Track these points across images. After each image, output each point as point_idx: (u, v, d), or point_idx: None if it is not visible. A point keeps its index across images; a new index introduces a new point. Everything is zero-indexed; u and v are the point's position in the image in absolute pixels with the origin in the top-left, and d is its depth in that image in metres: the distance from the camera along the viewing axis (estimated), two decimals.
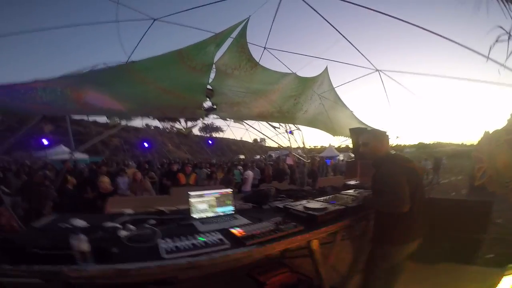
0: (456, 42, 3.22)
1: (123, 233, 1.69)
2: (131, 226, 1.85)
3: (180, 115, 7.99)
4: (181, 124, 13.10)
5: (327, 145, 21.40)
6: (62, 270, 1.17)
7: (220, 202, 2.27)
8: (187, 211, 2.14)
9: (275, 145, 11.60)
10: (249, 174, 7.17)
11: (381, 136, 2.04)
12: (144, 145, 18.71)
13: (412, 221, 1.75)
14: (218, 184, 6.18)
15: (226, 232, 1.70)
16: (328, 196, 2.66)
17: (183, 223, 1.99)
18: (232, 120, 10.31)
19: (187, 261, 1.31)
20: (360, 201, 2.26)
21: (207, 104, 4.94)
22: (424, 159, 12.12)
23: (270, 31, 4.32)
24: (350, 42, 4.19)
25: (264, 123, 8.55)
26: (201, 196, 2.21)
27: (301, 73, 4.63)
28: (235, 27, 3.25)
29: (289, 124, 8.50)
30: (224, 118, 8.51)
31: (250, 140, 32.77)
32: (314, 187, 4.98)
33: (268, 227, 1.78)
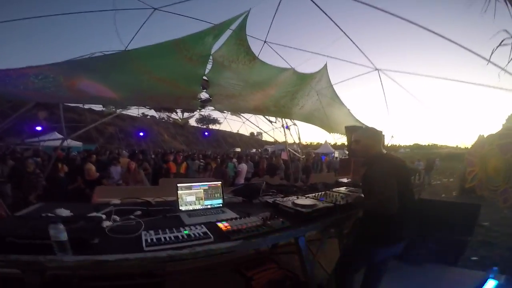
0: (458, 44, 3.19)
1: (106, 223, 1.66)
2: (116, 217, 1.83)
3: (174, 105, 7.90)
4: (177, 115, 12.97)
5: (323, 142, 21.49)
6: (38, 260, 1.14)
7: (209, 194, 2.25)
8: (175, 203, 2.12)
9: (272, 140, 11.58)
10: (243, 167, 7.16)
11: (373, 134, 1.98)
12: (140, 134, 18.60)
13: (399, 223, 1.71)
14: (211, 176, 6.16)
15: (212, 226, 1.68)
16: (318, 193, 2.66)
17: (169, 215, 1.97)
18: (229, 112, 10.23)
19: (168, 254, 1.29)
20: (350, 199, 2.25)
21: (204, 95, 4.88)
22: (417, 160, 12.21)
23: (271, 25, 4.26)
24: (350, 39, 4.14)
25: (261, 117, 8.51)
26: (189, 188, 2.19)
27: (300, 69, 4.59)
28: (235, 19, 3.17)
29: (286, 119, 8.47)
30: (220, 110, 8.44)
31: (247, 134, 32.71)
32: (307, 183, 4.99)
33: (255, 222, 1.76)
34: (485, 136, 3.62)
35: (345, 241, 2.54)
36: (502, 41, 2.07)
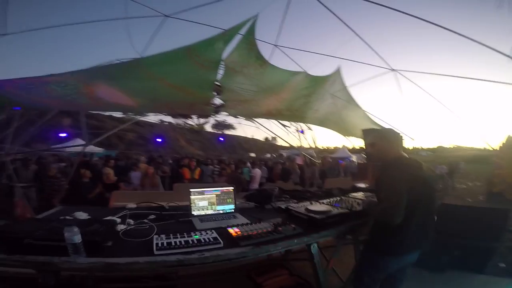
0: (479, 42, 3.04)
1: (120, 227, 1.70)
2: (130, 221, 1.87)
3: (188, 111, 8.06)
4: (193, 121, 13.25)
5: (340, 146, 21.09)
6: (53, 261, 1.18)
7: (221, 199, 2.25)
8: (188, 208, 2.14)
9: (286, 144, 11.49)
10: (257, 172, 7.15)
11: (389, 136, 1.85)
12: (157, 140, 19.11)
13: (410, 233, 1.59)
14: (226, 182, 6.19)
15: (223, 231, 1.67)
16: (333, 199, 2.58)
17: (182, 219, 1.99)
18: (244, 118, 10.29)
19: (177, 258, 1.30)
20: (364, 205, 2.17)
21: (219, 101, 4.94)
22: (439, 164, 11.64)
23: (281, 28, 4.26)
24: (363, 40, 4.05)
25: (275, 121, 8.49)
26: (201, 193, 2.20)
27: (313, 72, 4.54)
28: (244, 23, 3.21)
29: (300, 124, 8.38)
30: (234, 115, 8.50)
31: (261, 139, 32.75)
32: (322, 188, 4.88)
33: (266, 228, 1.73)
34: None
35: (361, 248, 2.44)
36: None
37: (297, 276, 2.39)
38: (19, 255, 1.20)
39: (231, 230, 1.66)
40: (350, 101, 5.70)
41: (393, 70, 4.61)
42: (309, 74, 4.51)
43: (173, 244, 1.40)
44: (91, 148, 11.61)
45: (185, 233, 1.56)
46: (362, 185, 3.73)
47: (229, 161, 11.95)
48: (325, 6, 3.36)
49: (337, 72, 4.86)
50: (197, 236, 1.51)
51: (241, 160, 12.80)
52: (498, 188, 3.29)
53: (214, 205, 2.21)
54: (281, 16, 3.93)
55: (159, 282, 2.20)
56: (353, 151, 21.77)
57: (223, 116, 13.07)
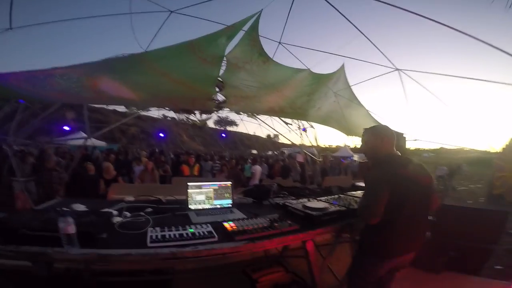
0: (486, 43, 2.98)
1: (116, 219, 1.70)
2: (127, 213, 1.87)
3: (191, 106, 8.05)
4: (195, 116, 13.23)
5: (342, 145, 21.00)
6: (46, 252, 1.18)
7: (218, 194, 2.25)
8: (185, 201, 2.14)
9: (288, 142, 11.47)
10: (257, 168, 7.15)
11: (382, 133, 1.73)
12: (160, 135, 19.15)
13: (399, 235, 1.53)
14: (227, 178, 6.20)
15: (218, 225, 1.67)
16: (331, 196, 2.58)
17: (178, 213, 1.99)
18: (246, 114, 10.28)
19: (170, 251, 1.30)
20: (358, 204, 2.15)
21: (221, 97, 4.93)
22: (439, 165, 11.57)
23: (285, 25, 4.22)
24: (368, 39, 3.99)
25: (277, 119, 8.46)
26: (199, 187, 2.20)
27: (316, 70, 4.50)
28: (247, 20, 3.19)
29: (302, 121, 8.35)
30: (236, 112, 8.49)
31: (263, 136, 32.69)
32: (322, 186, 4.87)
33: (262, 223, 1.72)
34: None
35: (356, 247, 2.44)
36: None
37: (293, 273, 2.38)
38: (14, 245, 1.20)
39: (226, 225, 1.66)
40: (353, 100, 5.66)
41: (397, 69, 4.56)
42: (313, 72, 4.47)
43: (167, 237, 1.40)
44: (93, 142, 11.67)
45: (180, 227, 1.56)
46: (361, 183, 3.72)
47: (230, 157, 11.97)
48: (330, 4, 3.31)
49: (341, 70, 4.82)
50: (192, 230, 1.51)
51: (242, 157, 12.82)
52: (498, 191, 3.25)
53: (211, 199, 2.21)
54: (286, 13, 3.89)
55: (156, 277, 2.21)
56: (355, 150, 21.65)
57: (225, 113, 13.04)
